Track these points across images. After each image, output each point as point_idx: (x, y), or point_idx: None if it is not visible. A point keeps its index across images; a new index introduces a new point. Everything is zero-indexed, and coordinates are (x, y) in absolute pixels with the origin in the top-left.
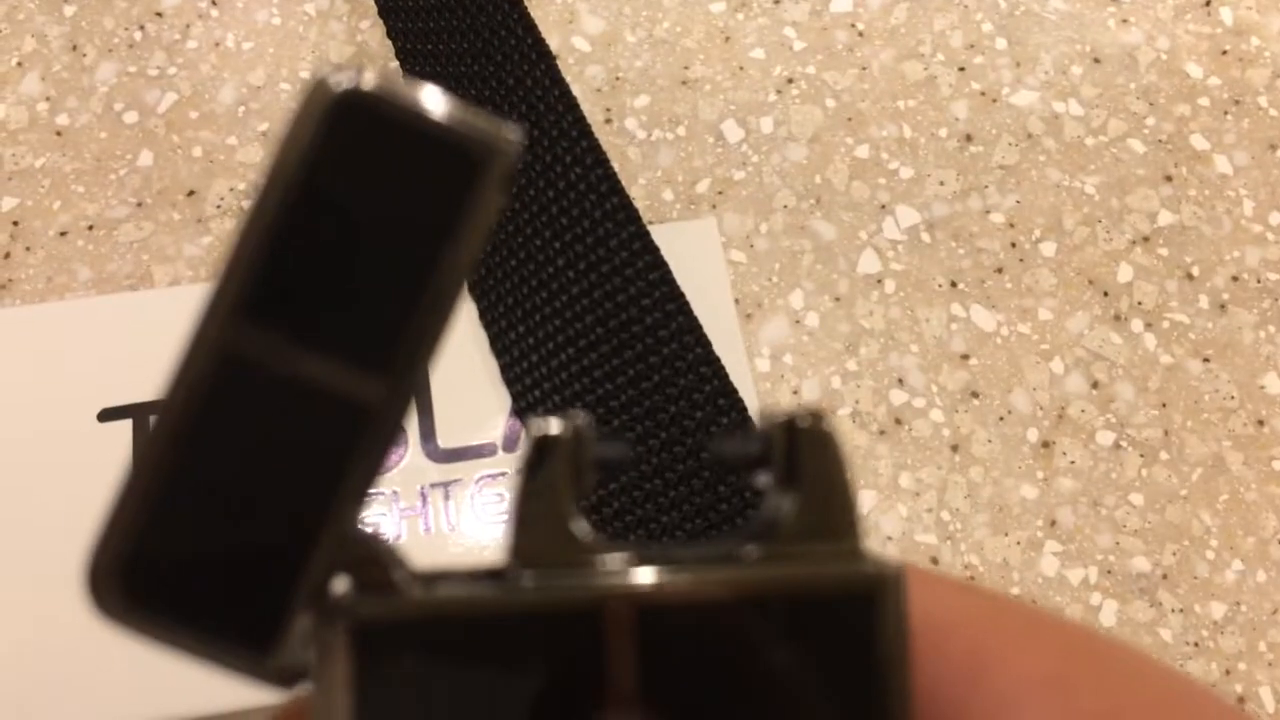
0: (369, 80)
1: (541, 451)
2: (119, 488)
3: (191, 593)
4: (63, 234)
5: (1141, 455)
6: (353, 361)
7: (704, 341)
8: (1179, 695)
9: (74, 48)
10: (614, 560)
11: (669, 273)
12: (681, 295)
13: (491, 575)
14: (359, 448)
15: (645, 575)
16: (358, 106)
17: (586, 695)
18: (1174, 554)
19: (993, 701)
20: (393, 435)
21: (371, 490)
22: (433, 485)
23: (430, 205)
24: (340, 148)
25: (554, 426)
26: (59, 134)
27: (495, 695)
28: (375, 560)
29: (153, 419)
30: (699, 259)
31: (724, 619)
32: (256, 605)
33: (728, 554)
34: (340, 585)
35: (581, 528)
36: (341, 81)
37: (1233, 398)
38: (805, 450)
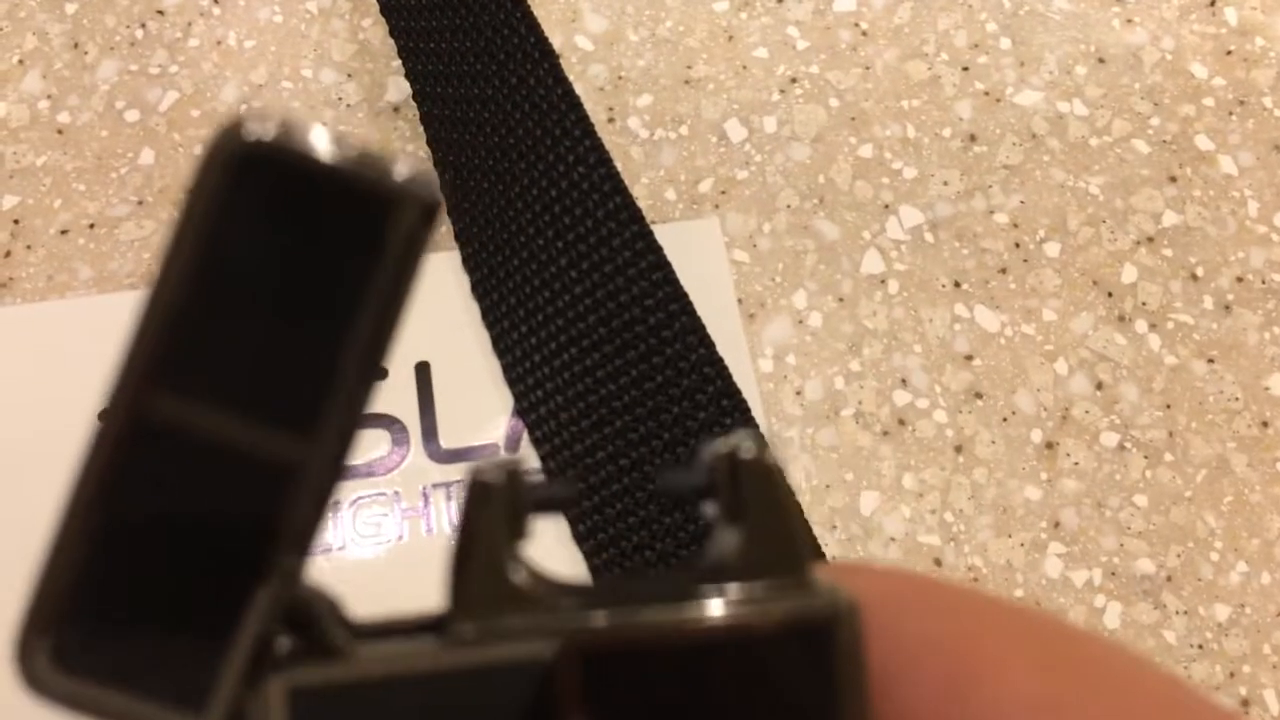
0: (265, 130)
1: (478, 497)
2: (43, 554)
3: (121, 658)
4: (64, 232)
5: (1146, 457)
6: (272, 422)
7: (707, 342)
8: (1176, 709)
9: (75, 46)
10: (555, 607)
11: (672, 273)
12: (684, 295)
13: (433, 626)
14: (290, 508)
15: (586, 621)
16: (256, 158)
17: None
18: (1178, 556)
19: None
20: (328, 493)
21: (310, 547)
22: (435, 485)
23: (341, 254)
24: (242, 201)
25: (489, 473)
26: (60, 132)
27: None
28: (315, 618)
29: (69, 484)
30: (702, 259)
31: (671, 660)
32: (191, 668)
33: (675, 593)
34: (281, 646)
35: (521, 574)
36: (239, 133)
37: (1237, 399)
38: (748, 483)
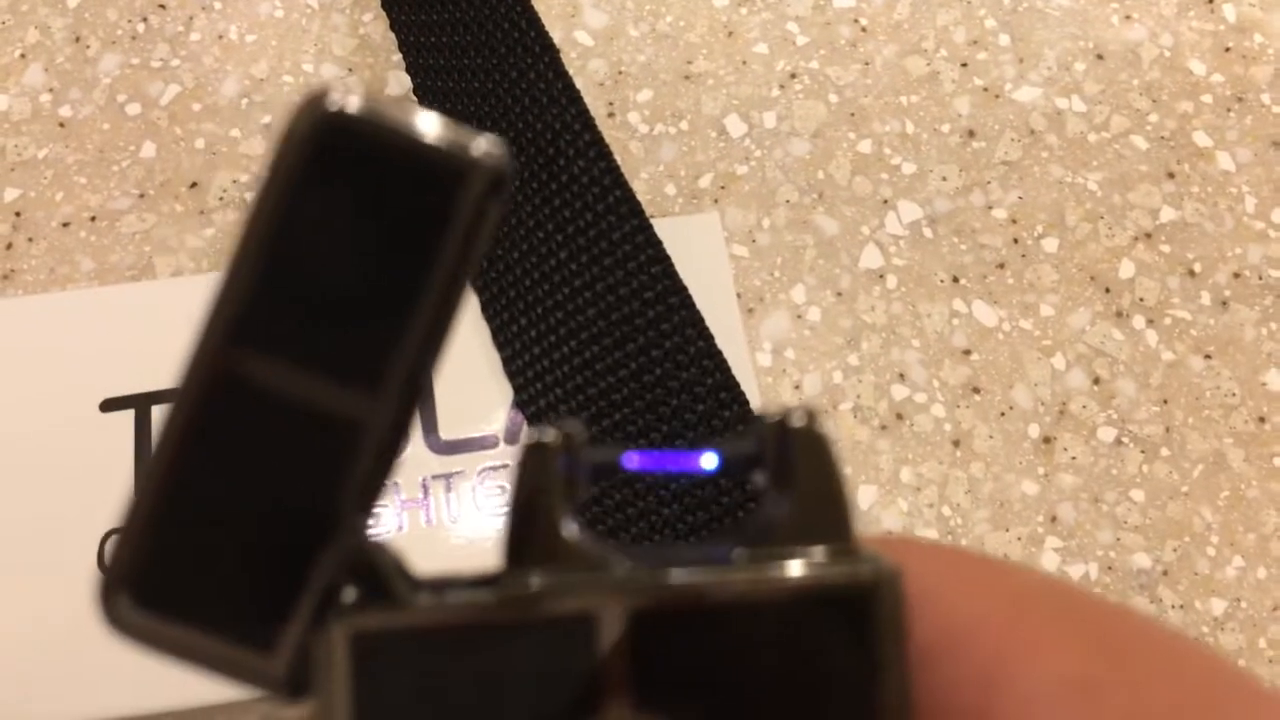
0: (354, 103)
1: (534, 458)
2: (127, 503)
3: (198, 602)
4: (65, 225)
5: (1142, 451)
6: (345, 380)
7: (706, 335)
8: (1220, 688)
9: (77, 39)
10: (608, 564)
11: (671, 266)
12: (684, 289)
13: (488, 581)
14: (355, 463)
15: (639, 579)
16: (343, 129)
17: (584, 700)
18: (1174, 550)
19: (1014, 707)
20: (391, 451)
21: (375, 503)
22: (434, 477)
23: (417, 224)
24: (326, 170)
25: (546, 434)
26: (62, 125)
27: (493, 701)
28: (378, 570)
29: (154, 429)
30: (702, 253)
31: (718, 622)
32: (260, 613)
33: (722, 556)
34: (345, 595)
35: (574, 532)
36: (327, 104)
37: (1234, 394)
38: (798, 451)
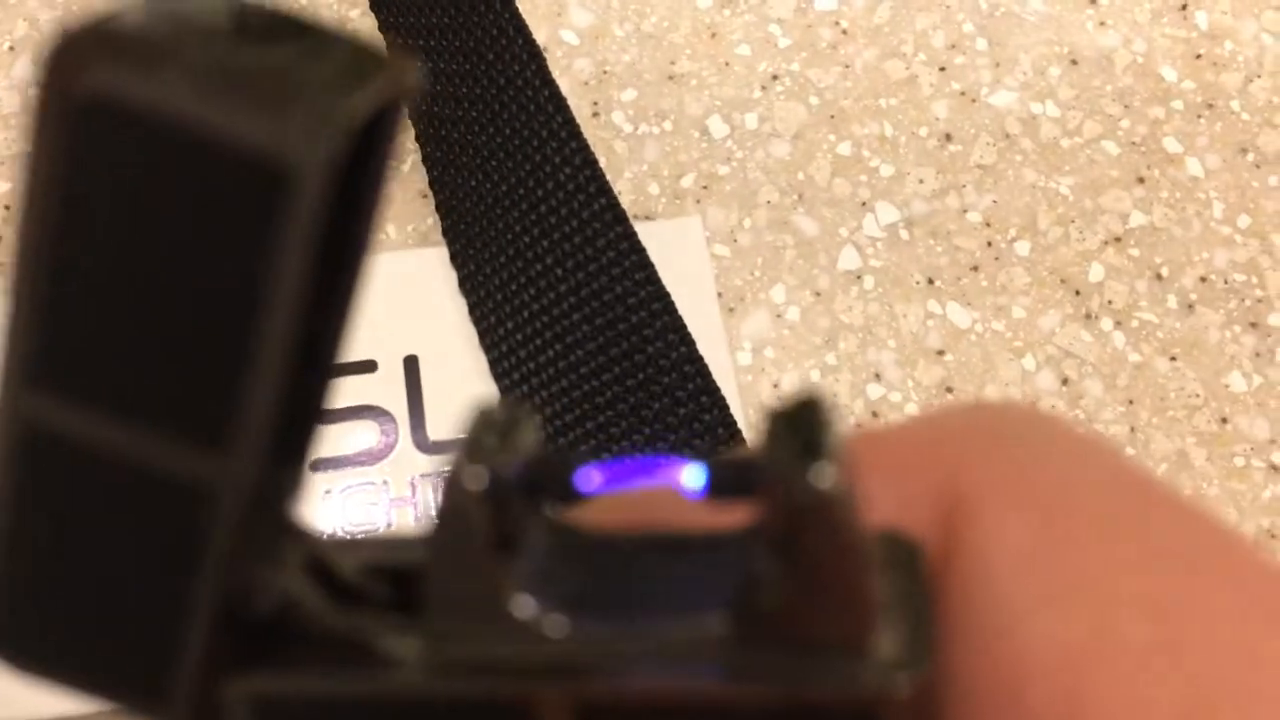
0: (113, 70)
1: (456, 501)
2: None
3: (76, 653)
4: None
5: None
6: (181, 434)
7: (688, 340)
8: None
9: None
10: (548, 638)
11: (654, 272)
12: (666, 295)
13: (415, 590)
14: (217, 523)
15: (585, 667)
16: (101, 108)
17: None
18: None
19: None
20: (263, 502)
21: (272, 536)
22: (423, 476)
23: (236, 235)
24: (92, 157)
25: (468, 472)
26: None
27: None
28: (283, 585)
29: None
30: (684, 256)
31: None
32: (144, 665)
33: (696, 641)
34: (244, 619)
35: (516, 592)
36: (79, 75)
37: (1198, 396)
38: (808, 520)
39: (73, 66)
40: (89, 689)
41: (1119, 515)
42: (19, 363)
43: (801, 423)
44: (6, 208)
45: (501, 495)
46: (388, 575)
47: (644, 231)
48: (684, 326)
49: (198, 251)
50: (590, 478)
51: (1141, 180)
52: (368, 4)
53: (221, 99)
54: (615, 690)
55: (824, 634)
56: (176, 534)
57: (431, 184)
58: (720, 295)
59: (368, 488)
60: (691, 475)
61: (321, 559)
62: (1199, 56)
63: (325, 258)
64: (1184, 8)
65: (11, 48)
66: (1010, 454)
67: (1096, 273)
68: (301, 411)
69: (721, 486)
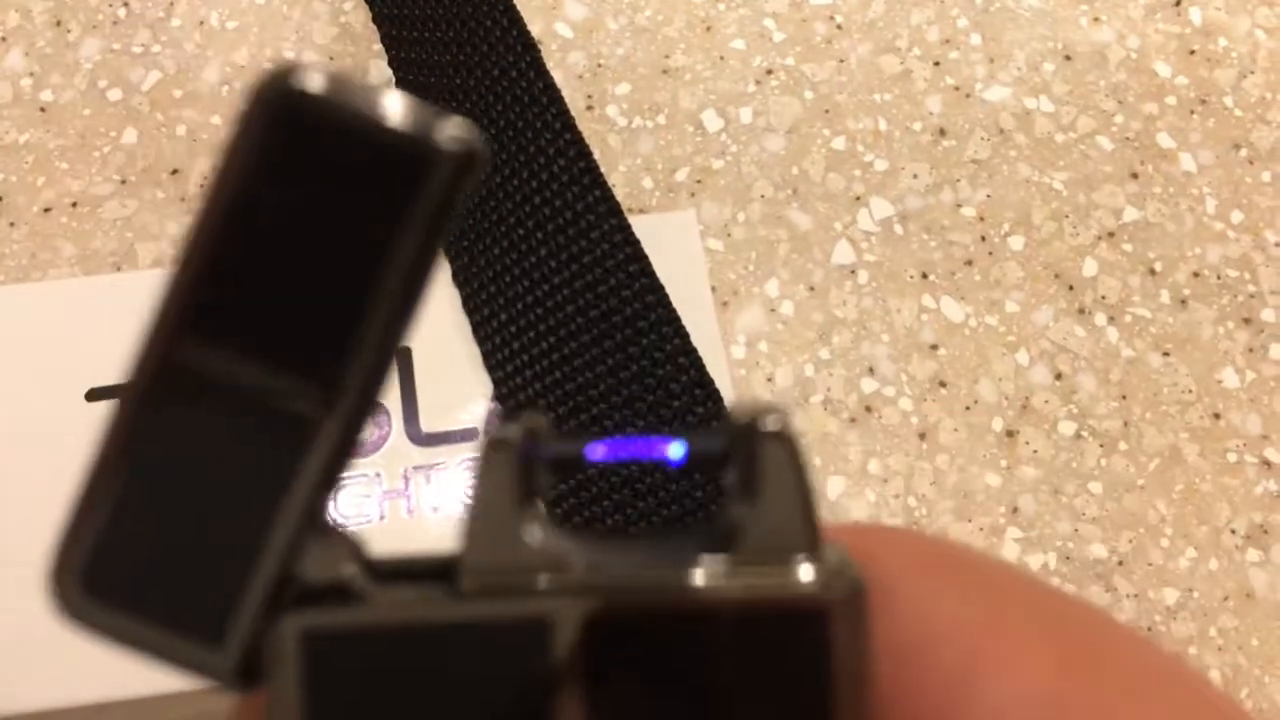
0: (315, 81)
1: (494, 454)
2: (76, 491)
3: (147, 593)
4: (46, 210)
5: (1101, 445)
6: (300, 375)
7: (682, 333)
8: (1189, 709)
9: (58, 23)
10: (565, 566)
11: (649, 265)
12: (661, 287)
13: (445, 572)
14: (307, 460)
15: (594, 583)
16: (302, 109)
17: (537, 704)
18: (1130, 541)
19: (982, 718)
20: (345, 444)
21: (328, 496)
22: (415, 468)
23: (379, 212)
24: (286, 152)
25: (508, 430)
26: (43, 110)
27: (445, 701)
28: (332, 563)
29: (104, 420)
30: (678, 250)
31: (673, 632)
32: (211, 605)
33: (682, 563)
34: (296, 588)
35: (533, 533)
36: (290, 82)
37: (1190, 391)
38: (766, 457)
39: (283, 75)
40: (149, 634)
41: (980, 562)
42: (177, 309)
43: (759, 404)
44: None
45: (529, 452)
46: (420, 566)
47: (638, 225)
48: (678, 319)
49: (346, 222)
50: (596, 450)
51: (1135, 176)
52: None
53: (394, 105)
54: (612, 600)
55: (784, 548)
56: (276, 465)
57: None
58: (714, 289)
59: (360, 480)
60: (673, 449)
61: (362, 550)
62: (1192, 52)
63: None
64: (1177, 4)
65: (3, 38)
66: (891, 534)
67: (1090, 268)
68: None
69: (698, 455)
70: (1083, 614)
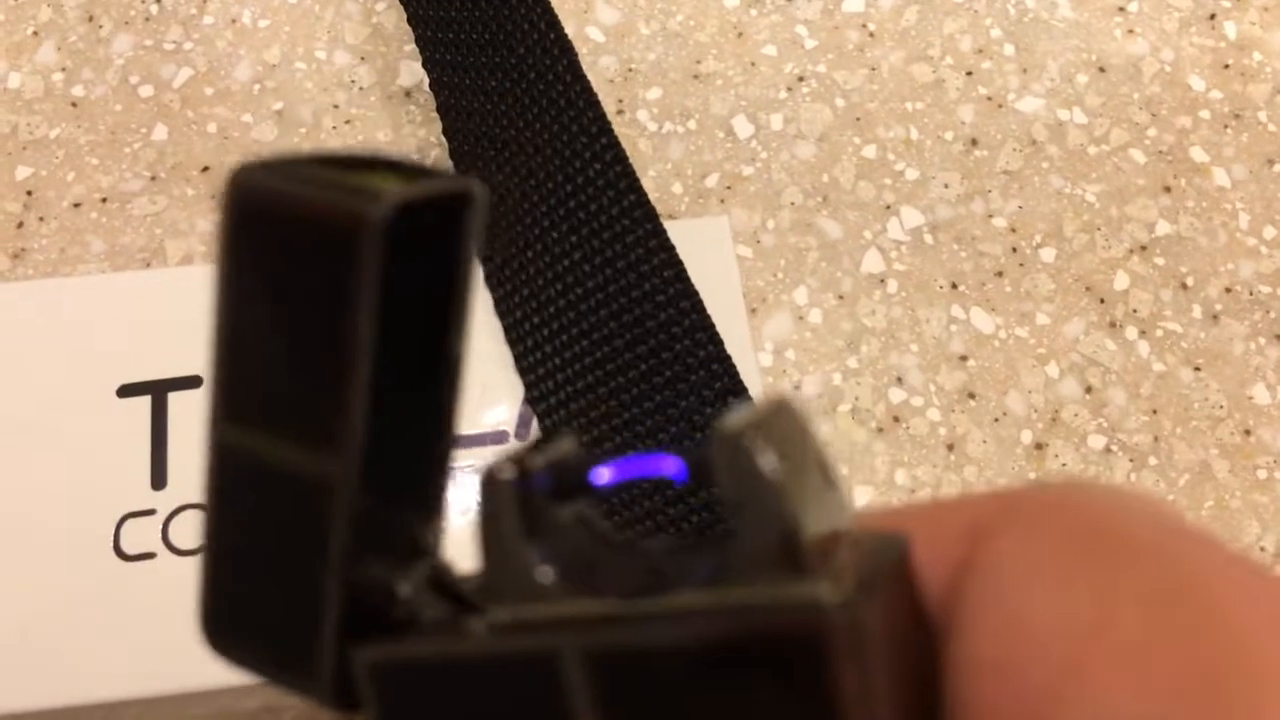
0: (253, 176)
1: (489, 491)
2: (200, 557)
3: (252, 635)
4: (76, 205)
5: (1131, 460)
6: (307, 441)
7: (716, 340)
8: None
9: (90, 19)
10: (568, 606)
11: (683, 270)
12: (695, 293)
13: (469, 606)
14: (333, 516)
15: (596, 623)
16: (251, 203)
17: None
18: None
19: None
20: (371, 494)
21: (363, 535)
22: None
23: (331, 283)
24: (252, 243)
25: (500, 467)
26: (74, 105)
27: None
28: (392, 586)
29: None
30: (711, 256)
31: (675, 667)
32: (298, 643)
33: (666, 595)
34: (370, 618)
35: (540, 567)
36: (240, 179)
37: (1221, 407)
38: (728, 464)
39: (240, 175)
40: (269, 672)
41: (1142, 542)
42: (214, 399)
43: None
44: (29, 194)
45: (527, 486)
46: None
47: (672, 230)
48: (712, 325)
49: (307, 297)
50: (601, 474)
51: (1168, 189)
52: None
53: (319, 187)
54: (617, 642)
55: (770, 569)
56: (308, 525)
57: None
58: (743, 296)
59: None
60: (674, 467)
61: (444, 575)
62: (1227, 66)
63: (423, 326)
64: (1212, 18)
65: (35, 33)
66: (1041, 498)
67: (1121, 281)
68: (423, 456)
69: (696, 469)
70: (1247, 619)
